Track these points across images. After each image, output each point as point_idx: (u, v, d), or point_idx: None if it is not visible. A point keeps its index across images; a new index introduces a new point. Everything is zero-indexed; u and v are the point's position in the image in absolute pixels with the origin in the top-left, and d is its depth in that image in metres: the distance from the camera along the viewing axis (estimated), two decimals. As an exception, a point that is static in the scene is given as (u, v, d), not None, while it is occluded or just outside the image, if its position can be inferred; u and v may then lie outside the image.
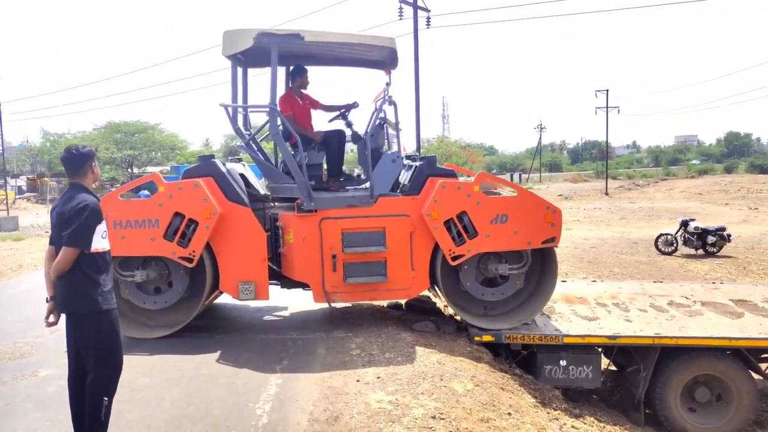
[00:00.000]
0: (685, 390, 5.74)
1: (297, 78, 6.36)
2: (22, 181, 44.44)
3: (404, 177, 6.16)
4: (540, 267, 6.03)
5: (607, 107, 46.33)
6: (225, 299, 6.67)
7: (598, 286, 7.73)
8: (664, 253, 14.21)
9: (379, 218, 5.71)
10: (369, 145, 5.91)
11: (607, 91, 46.22)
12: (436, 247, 5.73)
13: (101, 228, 3.43)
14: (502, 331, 5.74)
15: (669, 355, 5.69)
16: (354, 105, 6.49)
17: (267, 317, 6.71)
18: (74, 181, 3.49)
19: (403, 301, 7.01)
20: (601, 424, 5.29)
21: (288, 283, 6.09)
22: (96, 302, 3.35)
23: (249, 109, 6.35)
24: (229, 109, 5.96)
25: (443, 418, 3.89)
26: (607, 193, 41.14)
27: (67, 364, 3.53)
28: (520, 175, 69.43)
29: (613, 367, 6.75)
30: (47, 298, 3.43)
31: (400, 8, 23.67)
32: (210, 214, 5.47)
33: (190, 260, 5.52)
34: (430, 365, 4.90)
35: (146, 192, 11.16)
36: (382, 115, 6.15)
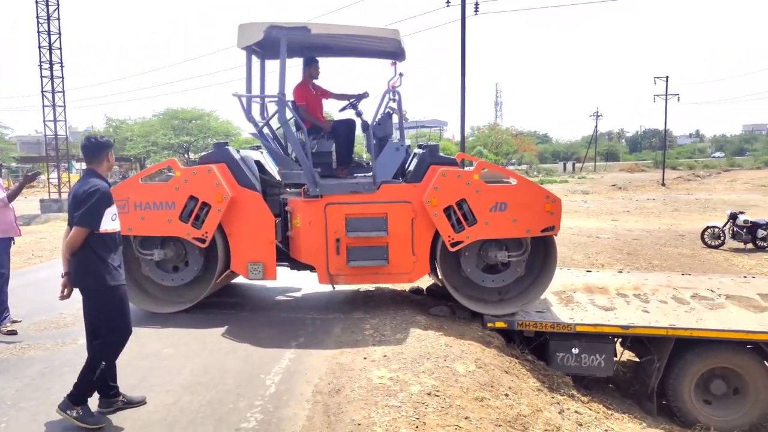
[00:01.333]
0: (700, 382, 5.71)
1: (307, 69, 6.61)
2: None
3: (412, 165, 6.31)
4: (543, 255, 6.09)
5: (666, 94, 44.63)
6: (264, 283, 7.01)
7: (623, 277, 7.68)
8: (710, 247, 13.76)
9: (381, 204, 5.90)
10: (372, 134, 6.11)
11: (667, 77, 44.47)
12: (437, 234, 5.87)
13: (111, 210, 3.74)
14: (515, 318, 5.86)
15: (684, 346, 5.66)
16: (364, 95, 6.68)
17: (291, 297, 7.04)
18: (90, 167, 3.83)
19: (424, 286, 7.20)
20: (609, 412, 5.35)
21: (297, 264, 6.37)
22: (104, 279, 3.67)
23: (262, 99, 6.61)
24: (243, 99, 6.20)
25: (438, 395, 4.08)
26: (663, 184, 39.78)
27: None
28: (573, 164, 67.79)
29: (634, 357, 6.74)
30: (62, 274, 3.76)
31: (448, -5, 23.53)
32: (221, 198, 5.83)
33: (203, 241, 5.89)
34: (437, 347, 5.07)
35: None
36: (392, 104, 6.29)
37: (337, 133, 6.51)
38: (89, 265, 3.66)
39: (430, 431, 3.58)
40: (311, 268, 6.23)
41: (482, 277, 6.06)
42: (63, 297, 3.76)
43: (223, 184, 5.86)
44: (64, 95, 24.47)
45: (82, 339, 5.30)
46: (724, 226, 13.99)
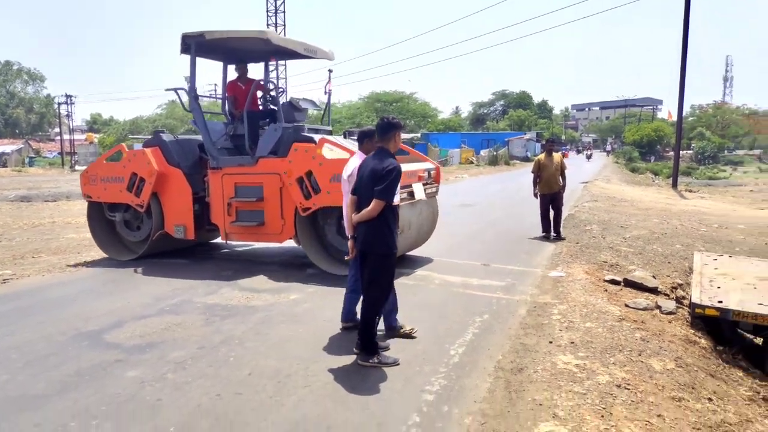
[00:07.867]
0: None
1: (236, 68, 8.36)
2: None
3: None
4: None
5: None
6: (455, 259, 7.25)
7: None
8: None
9: (258, 175, 7.31)
10: (246, 119, 7.54)
11: None
12: None
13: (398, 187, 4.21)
14: (729, 307, 5.26)
15: None
16: (280, 90, 7.77)
17: (478, 279, 7.13)
18: (381, 145, 4.27)
19: (620, 278, 6.77)
20: None
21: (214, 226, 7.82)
22: (389, 246, 4.14)
23: (189, 91, 7.93)
24: (178, 92, 7.81)
25: (628, 389, 3.85)
26: None
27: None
28: (823, 151, 56.84)
29: None
30: (350, 237, 4.40)
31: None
32: (151, 173, 7.68)
33: (141, 206, 7.85)
34: (631, 340, 4.79)
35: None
36: (275, 95, 8.25)
37: (251, 121, 7.73)
38: (380, 233, 4.13)
39: (617, 422, 3.42)
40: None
41: (342, 243, 6.99)
42: (351, 258, 4.43)
43: (152, 162, 7.68)
44: (286, 81, 27.40)
45: (294, 295, 6.10)
46: None
